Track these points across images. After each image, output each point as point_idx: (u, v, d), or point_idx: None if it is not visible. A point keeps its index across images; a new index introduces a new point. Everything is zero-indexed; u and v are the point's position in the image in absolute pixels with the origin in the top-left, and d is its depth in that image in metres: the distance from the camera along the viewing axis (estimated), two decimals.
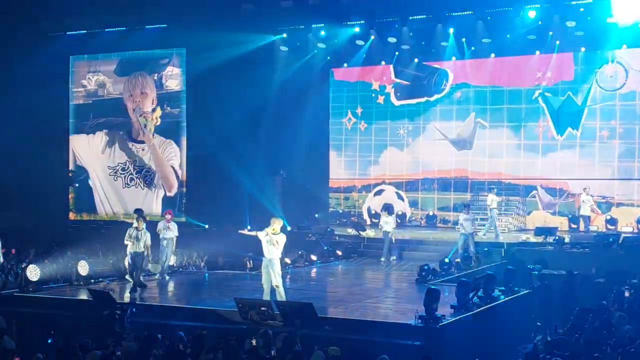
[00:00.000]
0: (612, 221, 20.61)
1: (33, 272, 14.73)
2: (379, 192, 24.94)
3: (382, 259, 18.96)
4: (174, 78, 24.37)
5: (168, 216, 16.39)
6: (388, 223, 19.03)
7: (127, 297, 14.13)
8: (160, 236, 15.85)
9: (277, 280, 12.52)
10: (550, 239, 18.62)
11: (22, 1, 22.97)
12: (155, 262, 15.91)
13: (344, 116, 25.34)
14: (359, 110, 25.13)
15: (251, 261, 17.45)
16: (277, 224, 12.66)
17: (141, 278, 14.78)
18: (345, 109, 25.34)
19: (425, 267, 15.62)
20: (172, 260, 16.49)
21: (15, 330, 11.18)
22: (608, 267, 16.25)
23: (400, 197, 24.65)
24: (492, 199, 20.16)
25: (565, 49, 21.87)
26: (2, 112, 22.26)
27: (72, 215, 25.56)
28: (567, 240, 18.47)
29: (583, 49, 21.71)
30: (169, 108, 24.32)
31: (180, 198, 24.09)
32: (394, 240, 19.11)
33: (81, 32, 24.55)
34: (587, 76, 21.90)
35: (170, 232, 15.91)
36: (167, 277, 16.03)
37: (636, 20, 19.94)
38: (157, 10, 23.16)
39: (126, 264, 15.12)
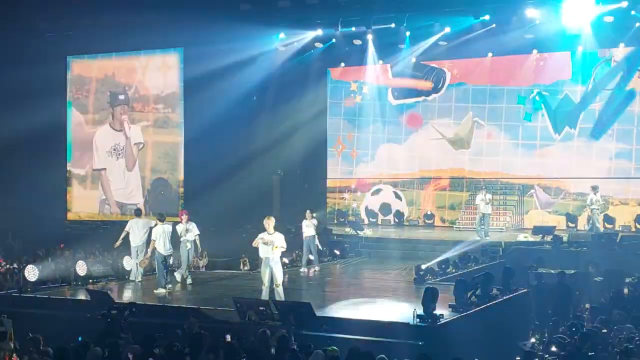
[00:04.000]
0: (610, 220, 20.64)
1: (31, 273, 14.76)
2: (377, 192, 24.95)
3: (302, 270, 17.17)
4: (172, 78, 24.35)
5: (184, 217, 15.72)
6: (309, 227, 17.31)
7: (126, 297, 14.18)
8: (182, 239, 15.41)
9: (278, 280, 12.53)
10: (548, 238, 18.64)
11: (18, 2, 22.95)
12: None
13: (341, 116, 25.36)
14: (356, 110, 25.17)
15: (247, 261, 17.45)
16: (269, 224, 12.69)
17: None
18: (342, 108, 25.37)
19: (423, 267, 15.63)
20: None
21: (14, 330, 11.17)
22: (606, 265, 16.27)
23: (398, 197, 24.66)
24: (592, 199, 19.09)
25: (562, 48, 21.91)
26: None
27: (70, 216, 25.53)
28: (564, 239, 18.49)
29: (581, 48, 21.73)
30: (169, 109, 24.32)
31: (177, 198, 24.08)
32: (319, 247, 17.57)
33: (79, 32, 24.49)
34: (585, 75, 21.94)
35: (190, 233, 15.46)
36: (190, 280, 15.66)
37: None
38: (154, 10, 23.16)
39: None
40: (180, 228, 15.44)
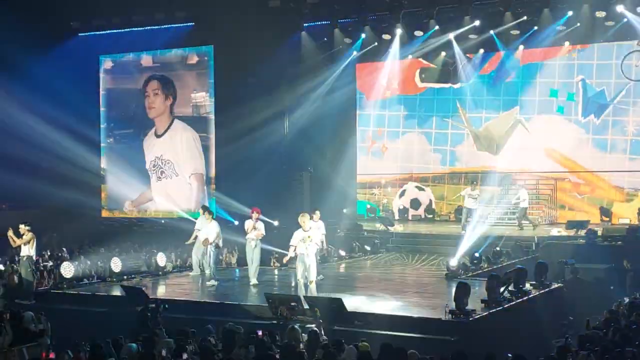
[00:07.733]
0: None
1: (67, 269, 15.05)
2: (407, 187, 24.82)
3: (210, 283, 15.07)
4: (202, 75, 24.57)
5: (255, 214, 15.13)
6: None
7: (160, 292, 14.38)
8: (247, 236, 15.03)
9: (311, 277, 12.60)
10: (582, 232, 18.41)
11: (50, 2, 23.33)
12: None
13: (370, 112, 25.29)
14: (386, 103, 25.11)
15: (277, 257, 17.49)
16: (304, 222, 12.76)
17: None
18: (371, 103, 25.31)
19: (454, 262, 15.56)
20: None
21: (50, 326, 11.40)
22: None
23: (426, 192, 24.51)
24: None
25: (594, 40, 21.58)
26: (34, 113, 22.62)
27: (104, 213, 25.92)
28: (599, 233, 18.23)
29: (612, 40, 21.38)
30: (200, 105, 24.55)
31: (209, 195, 24.31)
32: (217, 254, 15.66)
33: (110, 31, 24.84)
34: (615, 67, 21.58)
35: (257, 232, 14.99)
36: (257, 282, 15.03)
37: None
38: (184, 9, 23.41)
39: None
40: (248, 225, 15.06)
